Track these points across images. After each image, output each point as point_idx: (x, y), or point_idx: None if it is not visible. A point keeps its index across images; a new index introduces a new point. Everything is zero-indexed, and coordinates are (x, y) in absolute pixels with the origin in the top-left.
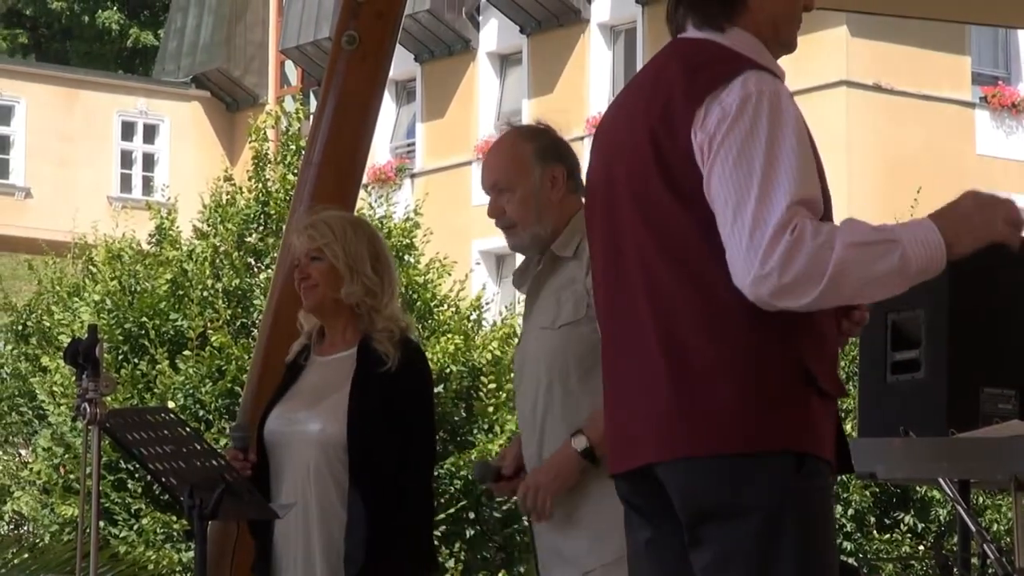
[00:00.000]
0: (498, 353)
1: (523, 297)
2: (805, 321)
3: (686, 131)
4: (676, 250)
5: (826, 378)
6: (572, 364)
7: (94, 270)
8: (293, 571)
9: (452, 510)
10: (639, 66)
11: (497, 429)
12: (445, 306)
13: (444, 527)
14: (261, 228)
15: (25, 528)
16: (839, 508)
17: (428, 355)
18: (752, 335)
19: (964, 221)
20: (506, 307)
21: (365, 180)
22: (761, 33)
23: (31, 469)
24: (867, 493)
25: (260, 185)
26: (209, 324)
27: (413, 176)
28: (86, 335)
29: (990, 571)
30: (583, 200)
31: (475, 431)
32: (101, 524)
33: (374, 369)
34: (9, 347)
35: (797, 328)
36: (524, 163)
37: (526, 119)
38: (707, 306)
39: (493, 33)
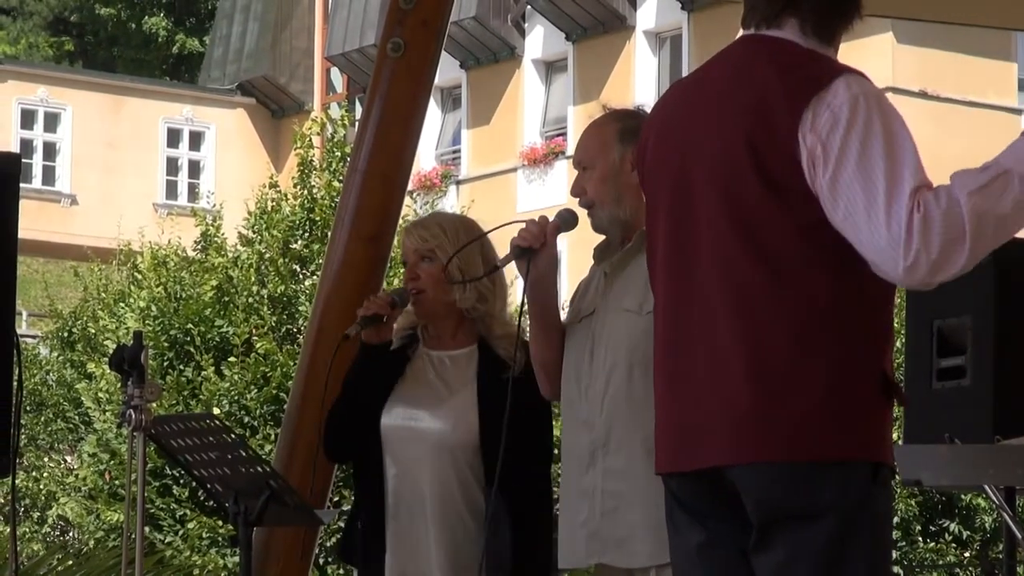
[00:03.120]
0: None
1: (567, 297)
2: (886, 329)
3: (790, 133)
4: (769, 252)
5: (898, 387)
6: None
7: (139, 277)
8: (409, 570)
9: None
10: (685, 72)
11: None
12: None
13: None
14: (306, 235)
15: (71, 534)
16: None
17: None
18: (839, 343)
19: None
20: None
21: (410, 187)
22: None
23: (77, 475)
24: (912, 501)
25: (305, 192)
26: (254, 331)
27: (458, 183)
28: (131, 342)
29: None
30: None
31: None
32: (146, 530)
33: (498, 371)
34: (55, 354)
35: (880, 336)
36: (605, 142)
37: (571, 126)
38: (797, 311)
39: (539, 40)
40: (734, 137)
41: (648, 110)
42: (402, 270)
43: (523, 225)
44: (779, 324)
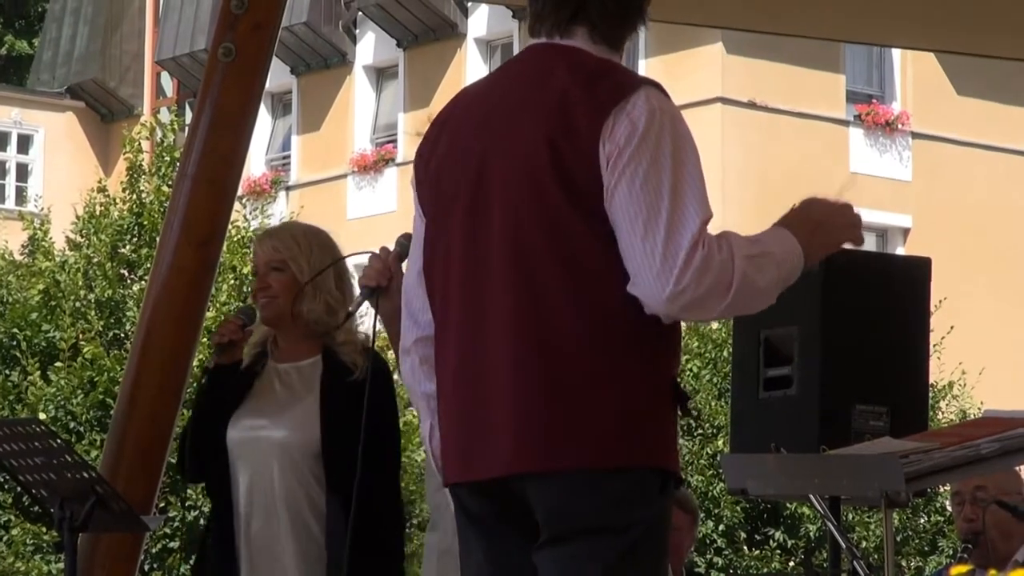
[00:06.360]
0: None
1: None
2: (675, 341)
3: (591, 141)
4: (572, 259)
5: (685, 397)
6: None
7: None
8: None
9: None
10: None
11: None
12: None
13: None
14: (135, 239)
15: None
16: (711, 523)
17: None
18: (633, 351)
19: (816, 231)
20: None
21: (240, 192)
22: None
23: None
24: (738, 508)
25: (134, 196)
26: (81, 335)
27: (288, 189)
28: None
29: None
30: (418, 181)
31: None
32: None
33: (342, 378)
34: None
35: (670, 347)
36: None
37: (401, 133)
38: (593, 318)
39: (370, 46)
40: (536, 143)
41: None
42: (231, 276)
43: (375, 250)
44: (570, 329)
